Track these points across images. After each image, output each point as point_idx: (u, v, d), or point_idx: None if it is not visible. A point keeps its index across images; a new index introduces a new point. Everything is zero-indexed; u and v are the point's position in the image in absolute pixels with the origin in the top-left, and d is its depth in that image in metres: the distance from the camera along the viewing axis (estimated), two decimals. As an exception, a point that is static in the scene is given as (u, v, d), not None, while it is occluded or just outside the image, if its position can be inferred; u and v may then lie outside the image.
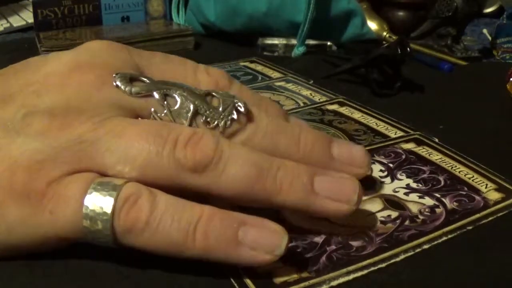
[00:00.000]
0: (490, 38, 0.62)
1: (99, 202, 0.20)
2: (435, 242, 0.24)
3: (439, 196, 0.28)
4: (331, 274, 0.22)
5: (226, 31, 0.62)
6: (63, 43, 0.54)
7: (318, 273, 0.22)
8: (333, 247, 0.24)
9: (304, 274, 0.22)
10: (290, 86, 0.46)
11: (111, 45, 0.26)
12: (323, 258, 0.23)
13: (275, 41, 0.58)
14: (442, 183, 0.29)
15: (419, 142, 0.34)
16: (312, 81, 0.47)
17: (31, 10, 0.62)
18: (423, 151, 0.33)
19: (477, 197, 0.28)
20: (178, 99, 0.24)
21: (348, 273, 0.22)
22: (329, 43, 0.58)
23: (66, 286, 0.21)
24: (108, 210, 0.20)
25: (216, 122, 0.24)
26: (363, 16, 0.60)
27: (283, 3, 0.56)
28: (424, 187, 0.29)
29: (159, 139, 0.22)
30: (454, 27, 0.56)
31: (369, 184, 0.29)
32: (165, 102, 0.24)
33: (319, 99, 0.43)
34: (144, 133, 0.22)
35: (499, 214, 0.26)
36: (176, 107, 0.24)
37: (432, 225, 0.25)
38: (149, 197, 0.20)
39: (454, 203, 0.27)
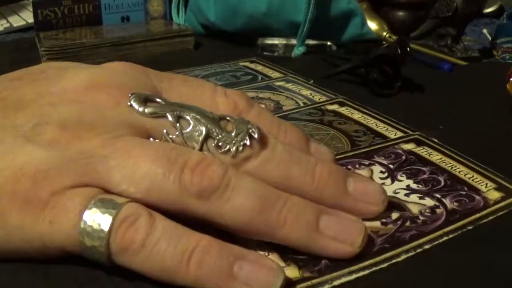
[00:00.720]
0: (490, 38, 0.62)
1: (97, 218, 0.20)
2: (436, 242, 0.24)
3: (439, 196, 0.28)
4: (334, 274, 0.22)
5: (226, 31, 0.62)
6: (63, 43, 0.54)
7: (320, 273, 0.22)
8: None
9: (306, 274, 0.22)
10: (290, 86, 0.46)
11: (130, 66, 0.27)
12: (325, 258, 0.23)
13: (275, 41, 0.58)
14: (442, 183, 0.29)
15: (419, 143, 0.34)
16: (312, 81, 0.47)
17: (31, 10, 0.62)
18: (423, 151, 0.33)
19: (477, 197, 0.28)
20: (191, 122, 0.24)
21: (350, 273, 0.22)
22: (329, 43, 0.58)
23: (66, 286, 0.21)
24: (106, 228, 0.20)
25: (228, 147, 0.24)
26: (363, 16, 0.60)
27: (283, 3, 0.56)
28: (424, 188, 0.29)
29: (167, 162, 0.22)
30: (454, 27, 0.56)
31: None
32: (178, 124, 0.24)
33: (319, 99, 0.43)
34: (153, 155, 0.22)
35: (499, 213, 0.26)
36: (188, 130, 0.24)
37: (433, 225, 0.25)
38: (148, 220, 0.20)
39: (454, 203, 0.27)
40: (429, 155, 0.33)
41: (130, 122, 0.23)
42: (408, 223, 0.26)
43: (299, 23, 0.55)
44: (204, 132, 0.24)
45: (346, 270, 0.22)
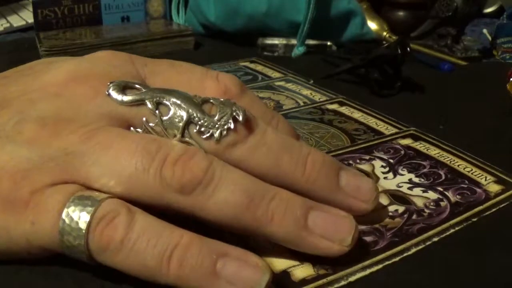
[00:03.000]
0: (490, 38, 0.62)
1: (75, 216, 0.19)
2: (444, 235, 0.25)
3: (441, 189, 0.29)
4: (348, 270, 0.22)
5: (226, 31, 0.62)
6: (63, 43, 0.54)
7: (335, 269, 0.22)
8: None
9: (321, 271, 0.22)
10: (290, 85, 0.46)
11: (114, 54, 0.26)
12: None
13: (275, 41, 0.58)
14: (443, 177, 0.30)
15: (415, 138, 0.35)
16: (312, 81, 0.47)
17: (31, 10, 0.62)
18: (420, 146, 0.34)
19: (478, 190, 0.28)
20: (171, 108, 0.22)
21: (364, 268, 0.22)
22: (329, 43, 0.58)
23: (66, 286, 0.21)
24: (83, 226, 0.19)
25: (210, 132, 0.22)
26: (363, 16, 0.60)
27: (283, 3, 0.56)
28: (426, 182, 0.29)
29: (147, 155, 0.21)
30: (454, 27, 0.56)
31: (373, 179, 0.29)
32: (157, 111, 0.22)
33: (319, 99, 0.43)
34: (132, 148, 0.21)
35: (501, 206, 0.27)
36: (168, 116, 0.22)
37: (439, 218, 0.26)
38: (127, 217, 0.20)
39: (457, 196, 0.28)
40: (427, 150, 0.33)
41: (109, 113, 0.22)
42: (414, 216, 0.26)
43: (299, 23, 0.55)
44: (185, 118, 0.22)
45: (360, 265, 0.22)
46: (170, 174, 0.20)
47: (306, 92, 0.44)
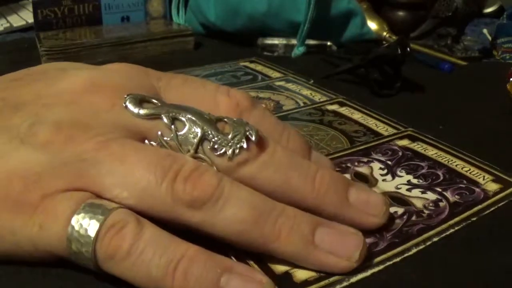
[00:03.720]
0: (490, 38, 0.62)
1: (85, 224, 0.20)
2: (444, 235, 0.25)
3: (440, 190, 0.29)
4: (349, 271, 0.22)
5: (226, 31, 0.62)
6: (63, 43, 0.54)
7: None
8: None
9: (323, 272, 0.22)
10: (290, 85, 0.46)
11: (129, 67, 0.27)
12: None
13: (275, 41, 0.58)
14: (441, 177, 0.30)
15: (413, 138, 0.35)
16: (312, 81, 0.47)
17: (31, 10, 0.62)
18: (418, 147, 0.34)
19: (476, 189, 0.29)
20: (187, 124, 0.23)
21: (366, 269, 0.22)
22: (329, 43, 0.58)
23: (66, 286, 0.21)
24: (92, 233, 0.20)
25: (224, 150, 0.23)
26: (363, 16, 0.60)
27: (283, 3, 0.56)
28: (424, 182, 0.29)
29: (160, 169, 0.21)
30: (454, 27, 0.56)
31: (372, 182, 0.29)
32: (173, 126, 0.23)
33: (319, 99, 0.43)
34: (147, 161, 0.21)
35: (500, 204, 0.27)
36: (183, 132, 0.23)
37: (438, 218, 0.26)
38: (136, 227, 0.20)
39: (456, 196, 0.28)
40: (424, 150, 0.33)
41: (125, 124, 0.23)
42: (414, 217, 0.26)
43: (299, 23, 0.55)
44: (199, 134, 0.23)
45: (361, 266, 0.22)
46: (182, 189, 0.21)
47: (306, 92, 0.44)
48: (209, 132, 0.23)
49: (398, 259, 0.23)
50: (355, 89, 0.45)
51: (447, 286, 0.22)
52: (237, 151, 0.23)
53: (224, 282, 0.19)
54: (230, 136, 0.23)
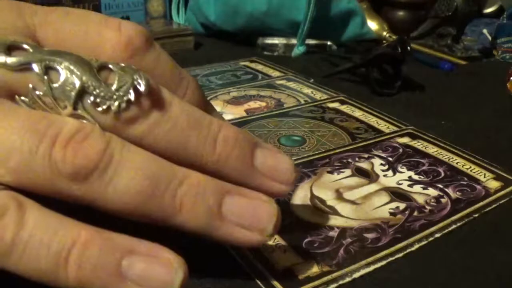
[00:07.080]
0: (490, 38, 0.62)
1: None
2: (446, 231, 0.25)
3: (442, 186, 0.29)
4: (352, 267, 0.22)
5: (226, 31, 0.62)
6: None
7: (339, 266, 0.22)
8: (349, 240, 0.24)
9: (325, 268, 0.22)
10: (291, 84, 0.46)
11: None
12: (341, 251, 0.23)
13: (275, 40, 0.58)
14: (443, 174, 0.30)
15: (413, 136, 0.35)
16: (312, 80, 0.47)
17: (31, 9, 0.62)
18: (418, 144, 0.34)
19: (478, 186, 0.29)
20: (63, 74, 0.18)
21: (368, 264, 0.22)
22: (329, 43, 0.58)
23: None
24: None
25: (107, 104, 0.18)
26: (363, 15, 0.60)
27: (283, 2, 0.56)
28: (426, 179, 0.29)
29: (34, 134, 0.17)
30: (454, 27, 0.56)
31: (373, 177, 0.29)
32: (46, 77, 0.18)
33: (320, 97, 0.43)
34: (18, 126, 0.17)
35: (501, 202, 0.27)
36: (59, 84, 0.18)
37: (440, 214, 0.26)
38: (17, 213, 0.17)
39: (457, 192, 0.28)
40: (425, 148, 0.33)
41: None
42: (416, 213, 0.26)
43: (299, 22, 0.55)
44: (77, 86, 0.18)
45: (364, 262, 0.22)
46: (61, 157, 0.17)
47: (307, 90, 0.44)
48: (89, 83, 0.18)
49: (400, 254, 0.23)
50: (356, 88, 0.45)
51: (449, 282, 0.22)
52: (123, 105, 0.19)
53: (125, 267, 0.17)
54: (114, 87, 0.19)
